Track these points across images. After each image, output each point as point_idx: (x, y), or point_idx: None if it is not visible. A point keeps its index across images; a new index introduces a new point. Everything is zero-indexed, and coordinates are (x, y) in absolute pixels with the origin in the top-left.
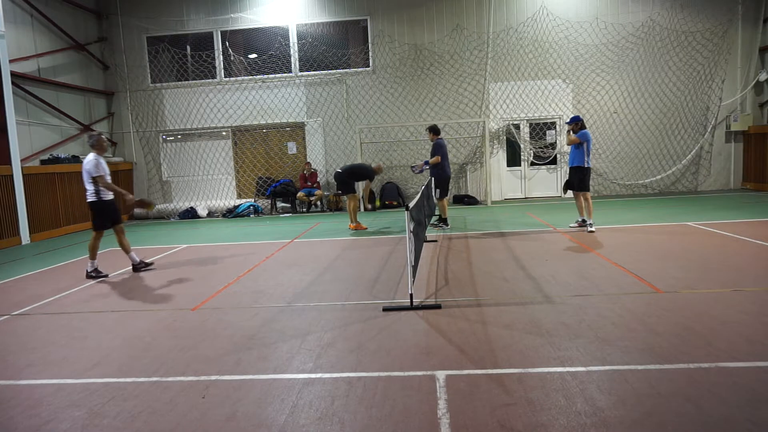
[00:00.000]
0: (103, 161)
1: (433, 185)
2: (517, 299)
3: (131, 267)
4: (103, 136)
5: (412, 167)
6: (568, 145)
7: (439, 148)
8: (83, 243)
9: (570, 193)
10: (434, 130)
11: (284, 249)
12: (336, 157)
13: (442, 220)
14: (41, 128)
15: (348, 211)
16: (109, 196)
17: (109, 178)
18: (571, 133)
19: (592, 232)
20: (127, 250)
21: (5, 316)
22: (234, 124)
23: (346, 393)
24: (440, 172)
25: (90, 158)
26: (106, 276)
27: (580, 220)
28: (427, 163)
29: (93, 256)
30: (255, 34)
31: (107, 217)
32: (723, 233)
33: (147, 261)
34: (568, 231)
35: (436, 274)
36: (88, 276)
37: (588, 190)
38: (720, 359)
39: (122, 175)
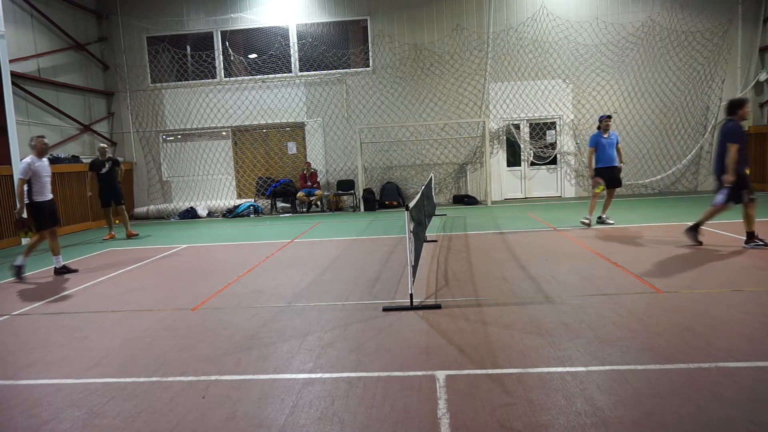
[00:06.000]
0: (37, 163)
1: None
2: (517, 299)
3: (54, 269)
4: (42, 139)
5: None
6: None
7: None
8: (83, 243)
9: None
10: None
11: (284, 249)
12: (336, 157)
13: (754, 237)
14: (41, 128)
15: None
16: (44, 197)
17: (43, 180)
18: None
19: (611, 224)
20: (54, 252)
21: (5, 316)
22: (234, 124)
23: (346, 393)
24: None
25: (24, 160)
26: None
27: (590, 217)
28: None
29: (27, 253)
30: (255, 34)
31: (41, 218)
32: (723, 233)
33: (71, 268)
34: (567, 231)
35: (436, 274)
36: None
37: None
38: (720, 359)
39: (122, 175)
